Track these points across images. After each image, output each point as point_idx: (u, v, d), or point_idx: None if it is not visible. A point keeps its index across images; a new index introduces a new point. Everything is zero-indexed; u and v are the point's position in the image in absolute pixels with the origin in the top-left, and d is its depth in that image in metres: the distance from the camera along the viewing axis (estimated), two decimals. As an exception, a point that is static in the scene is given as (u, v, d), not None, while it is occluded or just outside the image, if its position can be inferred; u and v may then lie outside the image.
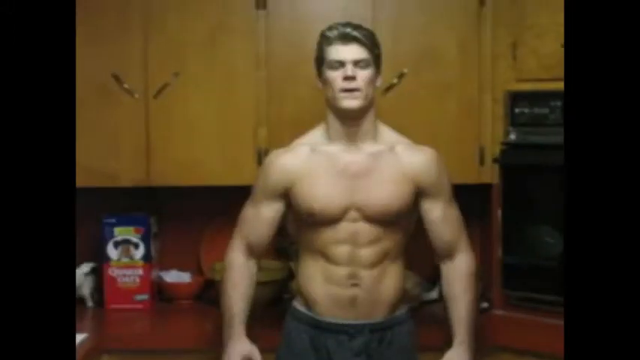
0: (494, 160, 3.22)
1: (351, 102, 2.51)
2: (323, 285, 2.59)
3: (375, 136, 2.60)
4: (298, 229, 2.66)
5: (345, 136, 2.58)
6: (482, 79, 3.24)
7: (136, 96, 3.25)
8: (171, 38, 3.25)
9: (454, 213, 2.67)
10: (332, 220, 2.55)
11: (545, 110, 3.09)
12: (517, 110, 3.15)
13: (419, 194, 2.60)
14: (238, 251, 2.71)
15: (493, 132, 3.24)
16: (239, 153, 3.26)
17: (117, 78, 3.24)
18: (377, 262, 2.58)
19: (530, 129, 3.13)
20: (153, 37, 3.25)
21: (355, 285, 2.57)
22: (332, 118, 2.59)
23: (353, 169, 2.56)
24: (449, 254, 2.67)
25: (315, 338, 2.60)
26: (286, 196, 2.61)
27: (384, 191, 2.55)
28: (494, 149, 3.23)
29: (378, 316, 2.60)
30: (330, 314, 2.58)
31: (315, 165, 2.58)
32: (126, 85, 3.24)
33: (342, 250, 2.56)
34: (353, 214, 2.55)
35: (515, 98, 3.16)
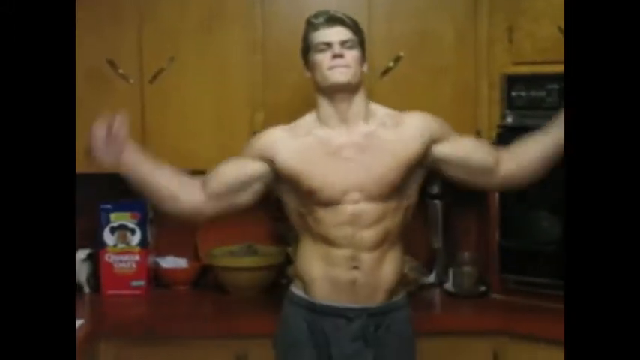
0: (491, 144, 3.22)
1: (340, 76, 2.53)
2: (322, 267, 2.59)
3: (366, 117, 2.61)
4: (299, 216, 2.65)
5: (337, 118, 2.59)
6: (479, 63, 3.23)
7: (132, 81, 3.24)
8: (166, 23, 3.24)
9: (470, 138, 2.74)
10: (332, 201, 2.55)
11: (542, 93, 3.08)
12: (513, 93, 3.15)
13: (434, 149, 2.62)
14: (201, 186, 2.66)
15: (490, 115, 3.23)
16: (235, 138, 3.24)
17: (112, 63, 3.23)
18: (378, 245, 2.58)
19: (527, 112, 3.12)
20: (147, 21, 3.23)
21: (355, 267, 2.56)
22: (322, 101, 2.60)
23: (346, 150, 2.57)
24: (496, 163, 2.65)
25: (313, 322, 2.59)
26: (271, 163, 2.59)
27: (383, 165, 2.55)
28: (490, 133, 3.22)
29: (377, 300, 2.59)
30: (329, 297, 2.58)
31: (309, 146, 2.59)
32: (121, 71, 3.23)
33: (343, 233, 2.55)
34: (354, 195, 2.54)
35: (512, 81, 3.15)
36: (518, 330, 2.96)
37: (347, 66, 2.54)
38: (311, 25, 2.60)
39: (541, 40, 3.08)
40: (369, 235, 2.56)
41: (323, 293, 2.59)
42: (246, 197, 2.65)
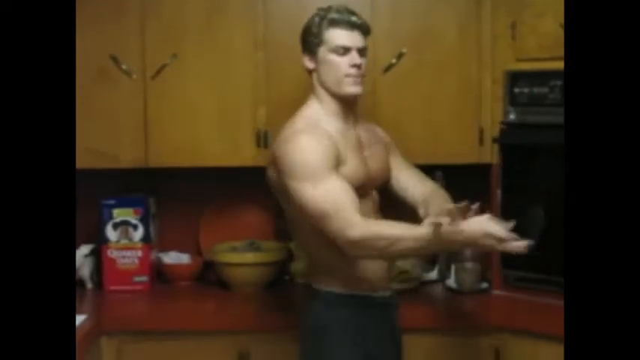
0: (494, 140, 3.22)
1: (356, 88, 2.57)
2: (371, 262, 2.57)
3: (359, 117, 2.72)
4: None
5: (341, 116, 2.61)
6: (482, 59, 3.22)
7: (134, 77, 3.23)
8: (168, 19, 3.23)
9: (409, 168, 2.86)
10: (365, 191, 2.58)
11: (545, 90, 3.08)
12: (516, 90, 3.14)
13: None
14: (364, 219, 2.41)
15: (492, 112, 3.22)
16: (238, 134, 3.25)
17: (115, 59, 3.22)
18: None
19: (530, 109, 3.12)
20: (150, 17, 3.23)
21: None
22: (328, 99, 2.60)
23: (361, 144, 2.64)
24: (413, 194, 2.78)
25: (363, 316, 2.57)
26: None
27: (383, 160, 2.72)
28: (493, 129, 3.22)
29: (388, 289, 2.67)
30: (376, 289, 2.61)
31: (341, 141, 2.55)
32: (124, 67, 3.23)
33: None
34: (373, 183, 2.66)
35: (515, 78, 3.15)
36: (520, 326, 2.96)
37: (362, 75, 2.57)
38: (328, 21, 2.55)
39: (544, 37, 3.07)
40: None
41: (372, 286, 2.60)
42: None
